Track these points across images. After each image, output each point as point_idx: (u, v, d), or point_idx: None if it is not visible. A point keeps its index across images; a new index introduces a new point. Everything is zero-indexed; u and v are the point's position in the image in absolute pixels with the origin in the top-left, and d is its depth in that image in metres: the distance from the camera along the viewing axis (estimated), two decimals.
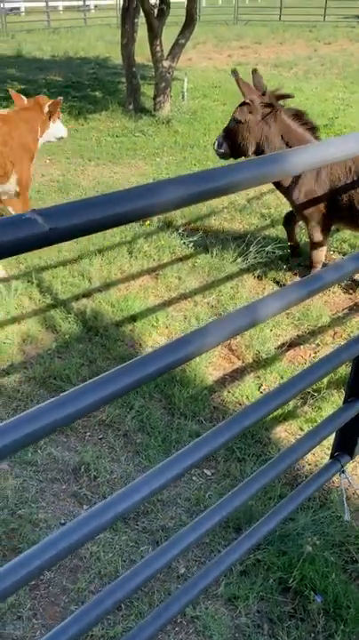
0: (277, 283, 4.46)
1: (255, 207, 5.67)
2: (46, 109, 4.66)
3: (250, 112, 3.90)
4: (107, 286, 4.38)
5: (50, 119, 4.72)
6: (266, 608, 2.22)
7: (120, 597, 1.59)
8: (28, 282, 4.29)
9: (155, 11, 8.49)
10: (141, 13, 8.89)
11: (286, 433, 3.06)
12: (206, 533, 1.77)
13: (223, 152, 4.15)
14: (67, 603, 2.23)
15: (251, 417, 1.66)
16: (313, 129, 4.00)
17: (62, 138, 5.03)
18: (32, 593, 2.24)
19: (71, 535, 1.28)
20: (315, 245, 4.20)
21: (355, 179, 3.81)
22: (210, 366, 3.54)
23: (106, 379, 1.17)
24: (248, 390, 3.33)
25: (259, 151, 4.03)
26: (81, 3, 24.57)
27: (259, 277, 4.51)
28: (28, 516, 2.53)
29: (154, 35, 8.52)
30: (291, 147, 3.87)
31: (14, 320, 3.88)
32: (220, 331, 1.31)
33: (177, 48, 8.76)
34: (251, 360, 3.60)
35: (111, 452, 2.92)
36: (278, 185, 4.12)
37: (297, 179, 3.95)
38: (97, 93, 10.97)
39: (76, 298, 4.23)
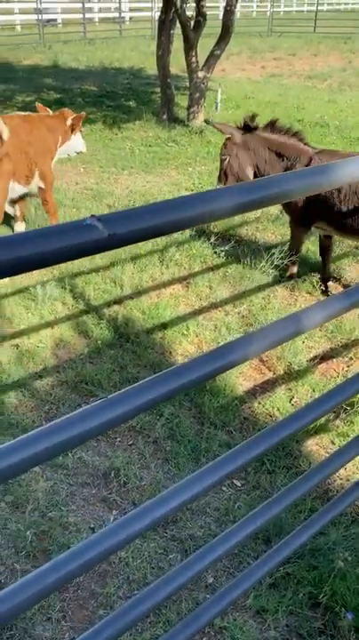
0: (310, 294, 4.43)
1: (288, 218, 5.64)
2: (69, 122, 4.87)
3: (234, 144, 4.30)
4: (138, 294, 4.41)
5: (72, 131, 4.94)
6: (295, 622, 2.19)
7: (151, 605, 1.59)
8: (62, 288, 4.35)
9: (192, 22, 8.58)
10: (177, 25, 9.00)
11: (317, 446, 3.03)
12: (236, 545, 1.76)
13: None
14: (96, 607, 2.24)
15: (284, 431, 1.65)
16: (295, 134, 4.25)
17: (81, 152, 5.26)
18: (61, 595, 2.25)
19: (104, 542, 1.29)
20: (293, 238, 4.53)
21: None
22: (240, 377, 3.53)
23: (147, 384, 1.18)
24: (279, 402, 3.30)
25: (258, 172, 4.33)
26: (117, 14, 25.00)
27: (291, 288, 4.48)
28: (59, 518, 2.56)
29: (189, 46, 8.60)
30: (280, 154, 4.23)
31: (48, 325, 3.94)
32: (263, 340, 1.31)
33: (212, 59, 8.83)
34: (282, 372, 3.58)
35: (141, 459, 2.93)
36: None
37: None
38: (131, 103, 11.12)
39: (108, 304, 4.27)
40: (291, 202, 4.11)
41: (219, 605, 1.87)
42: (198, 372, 1.21)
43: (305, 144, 4.22)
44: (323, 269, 4.53)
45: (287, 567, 2.34)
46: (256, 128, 4.24)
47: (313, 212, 4.16)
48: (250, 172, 4.33)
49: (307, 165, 4.09)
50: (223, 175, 4.44)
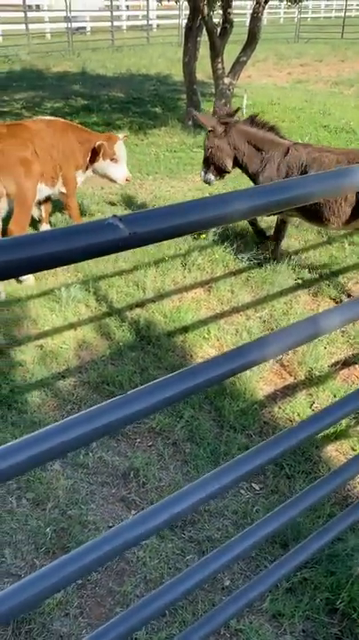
0: (333, 300, 4.41)
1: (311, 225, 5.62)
2: (98, 142, 4.85)
3: (215, 136, 4.59)
4: (160, 297, 4.45)
5: (99, 154, 4.88)
6: (311, 628, 2.18)
7: (166, 602, 1.60)
8: (86, 290, 4.41)
9: (218, 29, 8.63)
10: (204, 32, 9.06)
11: (337, 452, 3.01)
12: (253, 547, 1.77)
13: (210, 178, 4.84)
14: (113, 604, 2.26)
15: (303, 433, 1.65)
16: (271, 128, 4.57)
17: (115, 182, 5.22)
18: (79, 592, 2.29)
19: (121, 536, 1.31)
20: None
21: (305, 171, 4.33)
22: (261, 381, 3.53)
23: (165, 382, 1.20)
24: (299, 407, 3.29)
25: (237, 163, 4.68)
26: (144, 22, 25.25)
27: (314, 294, 4.47)
28: (78, 516, 2.60)
29: (216, 53, 8.65)
30: (259, 147, 4.52)
31: (71, 326, 4.00)
32: (281, 341, 1.33)
33: (238, 66, 8.86)
34: (303, 377, 3.57)
35: (160, 460, 2.95)
36: (246, 171, 4.70)
37: (263, 167, 4.52)
38: (157, 109, 11.21)
39: (130, 307, 4.32)
40: None
41: (235, 607, 1.88)
42: (215, 372, 1.24)
43: (281, 137, 4.57)
44: (275, 250, 4.94)
45: (304, 572, 2.34)
46: (236, 122, 4.55)
47: None
48: (229, 163, 4.68)
49: (284, 156, 4.46)
50: (207, 163, 4.79)
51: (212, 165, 4.74)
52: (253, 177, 4.65)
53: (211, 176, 4.81)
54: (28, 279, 4.55)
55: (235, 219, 1.05)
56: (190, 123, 9.58)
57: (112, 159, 5.00)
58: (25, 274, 0.82)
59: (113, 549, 1.27)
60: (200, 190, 6.78)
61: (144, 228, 0.91)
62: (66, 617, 2.21)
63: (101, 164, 5.00)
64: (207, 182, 4.94)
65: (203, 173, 4.88)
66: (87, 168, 5.03)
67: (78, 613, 2.22)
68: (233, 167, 4.75)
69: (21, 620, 2.15)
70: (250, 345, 1.30)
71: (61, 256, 0.84)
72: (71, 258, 0.85)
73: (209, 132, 4.62)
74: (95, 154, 4.91)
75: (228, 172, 4.82)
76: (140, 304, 4.34)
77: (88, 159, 4.97)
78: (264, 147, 4.50)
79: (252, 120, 4.59)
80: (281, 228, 4.87)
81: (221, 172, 4.80)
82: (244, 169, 4.71)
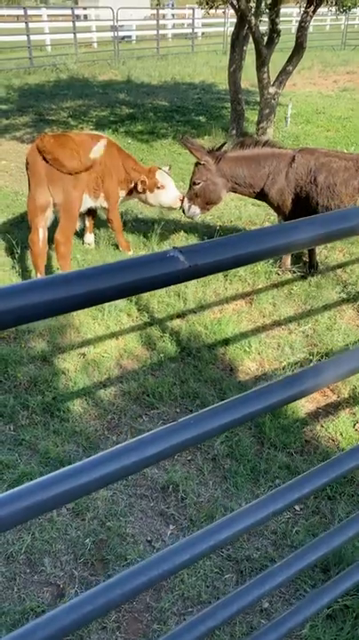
0: None
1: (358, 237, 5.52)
2: (141, 179, 4.99)
3: (207, 170, 4.52)
4: (201, 308, 4.44)
5: (145, 190, 5.06)
6: None
7: (207, 628, 1.58)
8: (128, 300, 4.45)
9: (265, 39, 8.60)
10: (250, 40, 9.05)
11: None
12: (296, 574, 1.73)
13: (195, 212, 4.77)
14: (150, 621, 2.25)
15: (353, 461, 1.61)
16: (266, 143, 4.56)
17: (171, 208, 5.31)
18: (117, 607, 2.28)
19: (167, 560, 1.30)
20: None
21: (314, 177, 4.36)
22: (303, 398, 3.47)
23: (217, 410, 1.19)
24: (342, 427, 3.22)
25: (237, 190, 4.65)
26: (189, 30, 25.44)
27: None
28: (117, 529, 2.60)
29: (262, 62, 8.62)
30: (260, 164, 4.47)
31: (113, 335, 4.03)
32: (335, 370, 1.30)
33: (283, 75, 8.80)
34: (347, 395, 3.49)
35: (199, 475, 2.93)
36: (251, 192, 4.66)
37: (271, 180, 4.50)
38: (201, 118, 11.25)
39: (171, 318, 4.33)
40: (279, 202, 4.56)
41: (277, 633, 1.84)
42: (268, 401, 1.21)
43: (279, 148, 4.58)
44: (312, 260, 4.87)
45: (346, 599, 2.27)
46: (225, 152, 4.50)
47: (299, 208, 4.49)
48: (224, 195, 4.68)
49: (290, 164, 4.43)
50: (194, 197, 4.67)
51: (201, 199, 4.65)
52: (263, 195, 4.61)
53: (196, 210, 4.74)
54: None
55: (298, 247, 1.04)
56: (234, 132, 9.57)
57: (158, 187, 5.13)
58: (87, 307, 0.83)
59: (159, 574, 1.26)
60: (242, 200, 6.75)
61: (204, 260, 0.91)
62: (103, 630, 2.21)
63: (149, 196, 5.18)
64: (191, 217, 4.87)
65: (187, 207, 4.76)
66: (129, 194, 5.18)
67: (115, 627, 2.22)
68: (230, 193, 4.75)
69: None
70: (303, 372, 1.27)
71: (122, 289, 0.84)
72: (132, 290, 0.86)
73: (199, 165, 4.54)
74: (142, 188, 5.06)
75: (216, 204, 4.80)
76: (181, 315, 4.34)
77: (132, 186, 5.11)
78: (265, 162, 4.47)
79: (242, 144, 4.57)
80: None
81: (209, 205, 4.75)
82: (249, 192, 4.64)
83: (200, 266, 0.90)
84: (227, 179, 4.56)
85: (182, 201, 4.89)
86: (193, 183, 4.65)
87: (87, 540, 2.55)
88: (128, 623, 2.25)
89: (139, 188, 5.03)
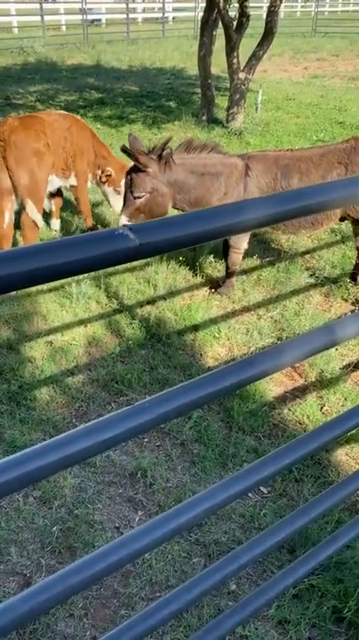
0: (346, 300, 4.36)
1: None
2: (110, 171, 5.07)
3: (152, 177, 3.79)
4: (171, 294, 4.42)
5: (107, 180, 5.13)
6: (318, 636, 2.16)
7: (172, 611, 1.58)
8: (97, 286, 4.40)
9: (234, 23, 8.54)
10: (220, 25, 8.97)
11: (347, 457, 2.97)
12: (261, 555, 1.75)
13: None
14: (118, 606, 2.25)
15: (315, 442, 1.62)
16: (213, 148, 3.99)
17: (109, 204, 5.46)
18: (84, 593, 2.28)
19: (128, 545, 1.29)
20: (234, 250, 4.31)
21: (287, 183, 4.02)
22: (271, 382, 3.49)
23: (178, 391, 1.18)
24: (309, 410, 3.26)
25: (184, 200, 3.99)
26: (160, 15, 25.10)
27: (326, 294, 4.42)
28: (85, 516, 2.59)
29: (231, 47, 8.56)
30: (210, 173, 3.94)
31: (81, 323, 3.98)
32: (296, 350, 1.29)
33: (253, 60, 8.76)
34: (313, 379, 3.53)
35: (168, 460, 2.93)
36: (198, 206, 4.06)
37: (227, 192, 4.01)
38: (171, 103, 11.15)
39: (141, 304, 4.29)
40: None
41: (242, 613, 1.86)
42: (229, 381, 1.20)
43: (225, 154, 4.10)
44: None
45: (311, 579, 2.31)
46: (170, 154, 3.81)
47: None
48: (170, 206, 3.99)
49: (246, 175, 3.99)
50: (136, 212, 3.87)
51: (146, 215, 3.88)
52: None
53: None
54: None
55: (249, 227, 1.02)
56: (204, 118, 9.51)
57: (116, 190, 5.16)
58: (31, 285, 0.80)
59: (119, 560, 1.25)
60: None
61: (155, 237, 0.88)
62: (70, 618, 2.20)
63: (108, 191, 5.24)
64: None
65: (125, 221, 3.85)
66: (94, 179, 5.17)
67: (83, 614, 2.21)
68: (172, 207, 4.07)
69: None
70: (264, 354, 1.26)
71: (70, 267, 0.81)
72: (80, 269, 0.83)
73: (139, 172, 3.77)
74: (105, 178, 5.10)
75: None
76: (151, 301, 4.31)
77: (98, 173, 5.10)
78: (217, 170, 3.93)
79: (188, 146, 3.94)
80: None
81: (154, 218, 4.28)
82: (191, 209, 3.93)
83: (150, 244, 0.88)
84: (173, 188, 3.90)
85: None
86: (133, 196, 3.83)
87: (54, 529, 2.52)
88: (95, 610, 2.24)
89: (103, 177, 5.03)
